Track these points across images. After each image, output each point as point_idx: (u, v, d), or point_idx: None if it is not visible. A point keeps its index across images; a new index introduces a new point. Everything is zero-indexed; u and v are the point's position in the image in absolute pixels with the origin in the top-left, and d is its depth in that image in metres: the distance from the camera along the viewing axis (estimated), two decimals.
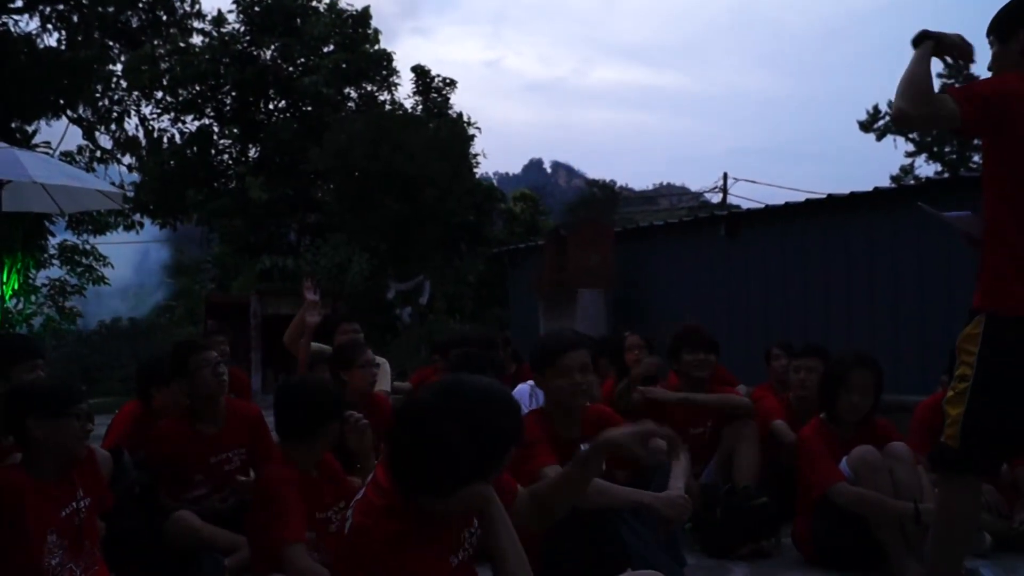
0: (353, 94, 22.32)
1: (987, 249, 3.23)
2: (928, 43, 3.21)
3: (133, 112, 21.38)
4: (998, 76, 3.27)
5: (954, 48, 3.27)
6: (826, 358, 5.42)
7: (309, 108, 21.42)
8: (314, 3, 22.15)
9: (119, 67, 20.70)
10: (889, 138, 42.39)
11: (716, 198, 33.50)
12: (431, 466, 2.38)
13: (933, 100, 3.07)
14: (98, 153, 20.73)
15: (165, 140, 21.95)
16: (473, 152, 20.93)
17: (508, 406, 2.50)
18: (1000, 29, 3.30)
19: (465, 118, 21.71)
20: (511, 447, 2.49)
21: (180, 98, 21.59)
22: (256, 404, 5.39)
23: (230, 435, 4.73)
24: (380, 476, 2.57)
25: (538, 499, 2.85)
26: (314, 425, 3.75)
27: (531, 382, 5.98)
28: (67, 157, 18.96)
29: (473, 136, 21.06)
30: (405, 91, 22.70)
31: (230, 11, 21.75)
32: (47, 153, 15.98)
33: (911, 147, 39.38)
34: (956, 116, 3.06)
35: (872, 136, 43.45)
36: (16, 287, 16.35)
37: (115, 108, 20.92)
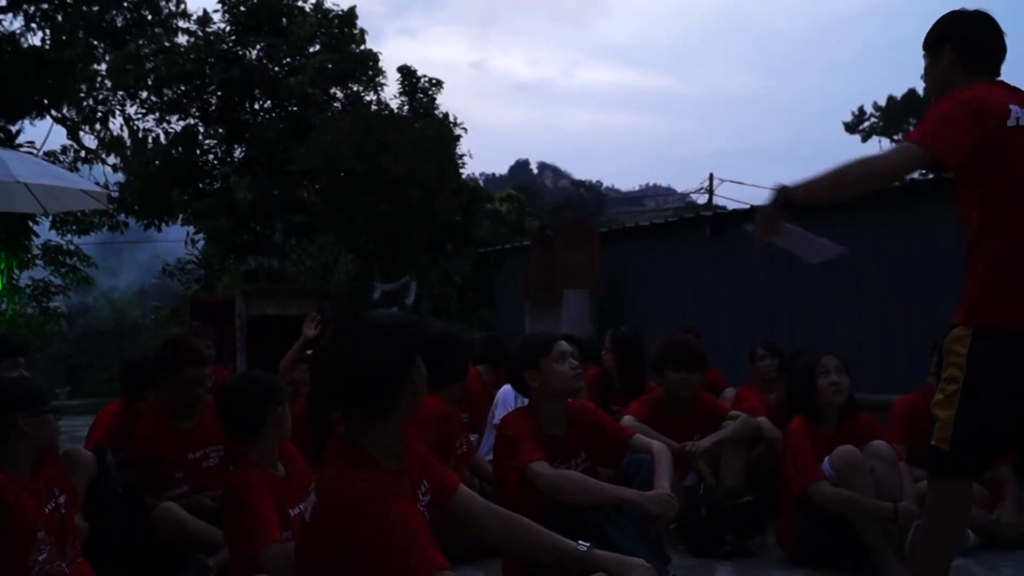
0: (339, 94, 22.28)
1: (970, 265, 3.25)
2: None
3: (118, 112, 21.33)
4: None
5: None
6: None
7: (295, 108, 21.36)
8: (300, 3, 22.09)
9: (104, 66, 20.63)
10: (874, 139, 42.63)
11: (702, 199, 33.58)
12: (343, 379, 2.59)
13: None
14: (82, 153, 20.68)
15: (150, 140, 21.85)
16: (459, 152, 20.96)
17: (395, 333, 2.65)
18: (929, 43, 3.39)
19: (451, 119, 21.73)
20: (399, 372, 2.59)
21: (165, 98, 21.50)
22: None
23: (207, 431, 4.77)
24: (334, 446, 2.67)
25: (504, 526, 2.93)
26: (254, 419, 3.68)
27: None
28: (51, 157, 18.88)
29: (459, 136, 21.09)
30: (391, 91, 22.68)
31: (215, 11, 21.69)
32: (31, 153, 15.89)
33: None
34: None
35: (857, 138, 43.72)
36: (0, 288, 16.29)
37: (100, 108, 20.85)
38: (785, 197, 3.19)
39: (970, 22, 3.34)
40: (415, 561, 2.34)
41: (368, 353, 2.57)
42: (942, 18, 3.39)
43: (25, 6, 18.53)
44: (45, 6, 18.91)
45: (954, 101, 3.16)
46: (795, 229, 3.33)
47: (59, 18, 19.14)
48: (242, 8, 21.46)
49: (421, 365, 2.64)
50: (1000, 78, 3.33)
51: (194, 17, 21.63)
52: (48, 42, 18.98)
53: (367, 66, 22.31)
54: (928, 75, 3.44)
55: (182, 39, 21.56)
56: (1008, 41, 3.37)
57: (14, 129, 17.97)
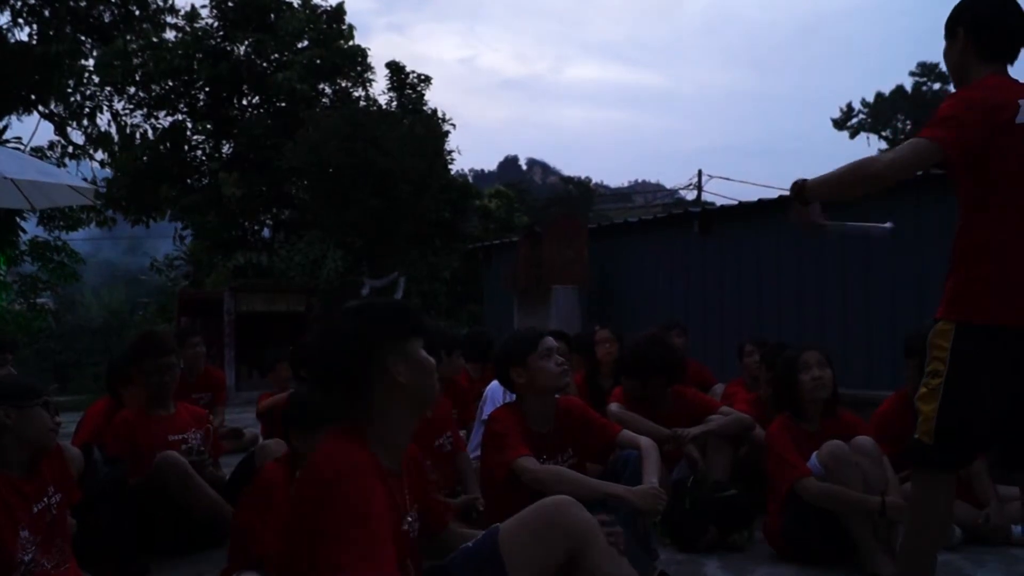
0: (327, 90, 22.23)
1: (957, 257, 3.26)
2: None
3: (105, 107, 21.21)
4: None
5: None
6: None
7: (283, 104, 21.31)
8: None
9: (91, 62, 20.54)
10: (862, 136, 42.74)
11: (691, 195, 33.70)
12: (312, 360, 2.63)
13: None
14: (70, 149, 20.56)
15: (138, 136, 21.77)
16: (448, 149, 20.94)
17: (359, 314, 2.59)
18: (946, 26, 3.38)
19: (440, 114, 21.71)
20: (357, 351, 2.50)
21: (153, 93, 21.43)
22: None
23: (183, 419, 4.96)
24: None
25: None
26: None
27: None
28: (38, 153, 18.79)
29: (448, 132, 21.06)
30: (380, 87, 22.67)
31: (203, 6, 21.65)
32: (18, 148, 15.83)
33: (884, 145, 39.72)
34: None
35: (846, 134, 43.82)
36: None
37: (87, 103, 20.74)
38: (800, 194, 3.22)
39: (985, 5, 3.31)
40: (354, 539, 2.20)
41: (330, 333, 2.55)
42: (959, 2, 3.37)
43: (12, 1, 18.44)
44: (32, 1, 18.82)
45: (961, 99, 3.17)
46: (835, 225, 3.35)
47: (46, 13, 19.04)
48: (230, 4, 21.40)
49: (410, 350, 2.55)
50: (1010, 71, 3.31)
51: (182, 13, 21.61)
52: (35, 37, 18.87)
53: (355, 62, 22.27)
54: (946, 58, 3.42)
55: (170, 35, 21.50)
56: None
57: (1, 125, 17.87)
